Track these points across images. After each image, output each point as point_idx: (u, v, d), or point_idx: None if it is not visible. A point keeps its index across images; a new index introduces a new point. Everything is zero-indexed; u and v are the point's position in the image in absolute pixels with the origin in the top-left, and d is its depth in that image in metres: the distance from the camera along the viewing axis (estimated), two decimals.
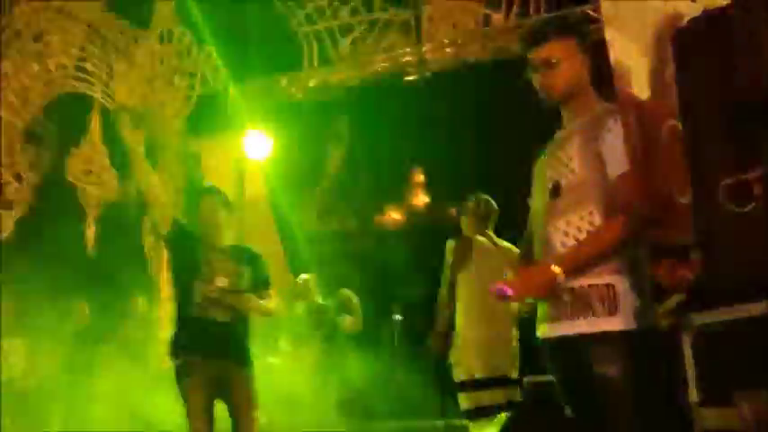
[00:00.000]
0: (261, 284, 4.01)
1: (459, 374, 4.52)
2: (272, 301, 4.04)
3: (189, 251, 3.91)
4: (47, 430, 6.18)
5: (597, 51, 2.52)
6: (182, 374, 3.80)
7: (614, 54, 2.72)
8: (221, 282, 3.79)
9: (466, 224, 4.79)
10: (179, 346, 3.86)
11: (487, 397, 4.44)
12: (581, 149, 2.35)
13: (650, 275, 2.40)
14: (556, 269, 2.24)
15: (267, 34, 8.72)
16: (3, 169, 9.13)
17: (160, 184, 4.17)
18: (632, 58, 2.71)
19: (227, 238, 4.05)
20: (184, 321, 3.84)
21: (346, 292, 6.08)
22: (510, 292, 2.27)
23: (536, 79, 2.45)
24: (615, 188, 2.26)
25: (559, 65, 2.39)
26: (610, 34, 2.68)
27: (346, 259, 7.63)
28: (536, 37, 2.47)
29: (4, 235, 8.90)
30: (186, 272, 3.90)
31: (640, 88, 2.69)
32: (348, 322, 5.94)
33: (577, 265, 2.26)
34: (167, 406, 5.24)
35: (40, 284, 7.25)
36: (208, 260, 3.87)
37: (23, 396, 6.59)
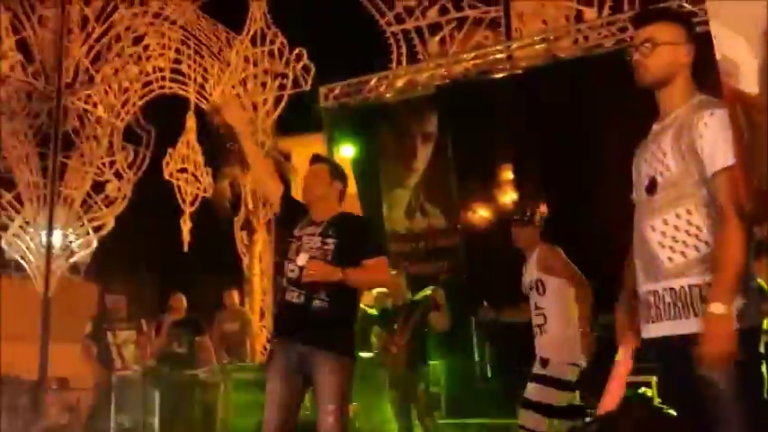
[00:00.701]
0: (359, 254, 3.49)
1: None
2: (365, 273, 3.49)
3: (291, 229, 3.62)
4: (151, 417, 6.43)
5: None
6: (267, 359, 3.57)
7: (720, 49, 2.65)
8: (302, 260, 3.41)
9: None
10: (272, 331, 3.69)
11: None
12: (675, 144, 2.29)
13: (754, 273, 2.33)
14: (720, 310, 2.12)
15: (356, 34, 8.84)
16: (104, 168, 9.57)
17: (267, 167, 3.87)
18: (739, 53, 2.62)
19: (330, 210, 3.62)
20: (277, 305, 3.71)
21: (435, 289, 6.11)
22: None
23: (635, 59, 2.41)
24: (715, 185, 2.20)
25: (659, 47, 2.36)
26: (715, 29, 2.61)
27: (434, 257, 7.66)
28: (644, 17, 2.48)
29: (105, 231, 9.34)
30: (284, 252, 3.60)
31: (748, 84, 2.61)
32: (436, 320, 5.96)
33: (730, 291, 2.15)
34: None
35: (140, 278, 7.58)
36: (297, 236, 3.54)
37: (132, 384, 6.89)
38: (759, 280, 2.58)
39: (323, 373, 3.33)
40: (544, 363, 4.35)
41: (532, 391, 4.32)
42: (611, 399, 2.67)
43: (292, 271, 3.46)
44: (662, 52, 2.37)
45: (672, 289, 2.27)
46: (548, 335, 4.39)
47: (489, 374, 6.86)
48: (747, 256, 2.21)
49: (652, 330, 2.38)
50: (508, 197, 7.53)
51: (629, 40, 2.46)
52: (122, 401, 6.94)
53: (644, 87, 2.44)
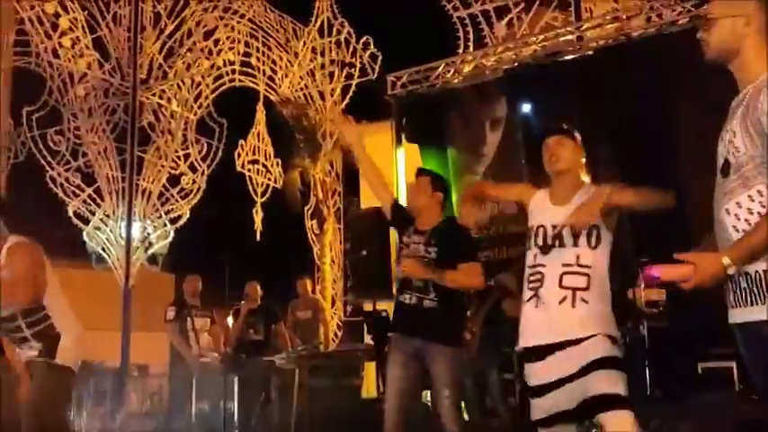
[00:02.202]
0: (452, 258, 3.88)
1: None
2: (458, 274, 3.85)
3: (401, 235, 4.09)
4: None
5: None
6: (388, 352, 4.08)
7: None
8: (407, 266, 3.86)
9: None
10: (390, 329, 4.11)
11: None
12: (742, 123, 2.20)
13: None
14: (725, 260, 2.12)
15: (423, 21, 8.82)
16: (179, 161, 9.82)
17: (379, 177, 4.23)
18: None
19: (433, 219, 4.01)
20: (394, 305, 4.10)
21: (507, 276, 6.06)
22: (657, 273, 2.19)
23: (700, 35, 2.35)
24: None
25: (717, 22, 2.28)
26: None
27: (506, 243, 7.58)
28: None
29: (181, 222, 9.60)
30: (397, 258, 4.16)
31: None
32: (509, 306, 5.91)
33: (751, 253, 2.12)
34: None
35: (216, 267, 7.75)
36: (406, 243, 3.99)
37: (212, 371, 7.07)
38: None
39: (437, 363, 3.79)
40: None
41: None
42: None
43: (400, 274, 3.97)
44: (720, 26, 2.29)
45: (747, 274, 2.19)
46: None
47: None
48: None
49: (733, 316, 2.31)
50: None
51: (703, 16, 2.38)
52: (202, 388, 7.12)
53: (711, 64, 2.38)
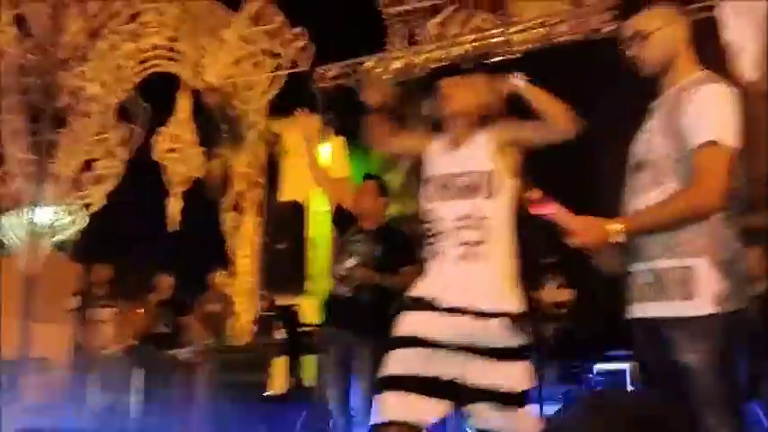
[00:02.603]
0: (395, 259, 4.08)
1: None
2: (399, 277, 3.97)
3: (343, 235, 4.35)
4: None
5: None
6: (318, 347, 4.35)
7: (728, 33, 2.60)
8: (350, 264, 4.06)
9: None
10: (322, 322, 4.33)
11: None
12: (661, 123, 2.25)
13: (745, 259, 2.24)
14: (616, 226, 2.14)
15: (354, 15, 8.70)
16: (96, 145, 9.45)
17: (326, 176, 4.48)
18: (745, 39, 2.60)
19: (377, 221, 4.29)
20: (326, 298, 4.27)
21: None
22: (549, 211, 2.15)
23: (630, 52, 2.35)
24: (694, 158, 2.12)
25: (651, 36, 2.28)
26: (724, 14, 2.56)
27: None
28: (629, 8, 2.38)
29: (95, 208, 9.22)
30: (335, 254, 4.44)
31: (750, 69, 2.56)
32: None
33: (644, 226, 2.17)
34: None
35: (127, 256, 7.47)
36: (349, 242, 4.20)
37: (112, 361, 6.81)
38: None
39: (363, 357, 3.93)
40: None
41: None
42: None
43: (341, 271, 4.13)
44: (655, 40, 2.30)
45: (653, 270, 2.21)
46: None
47: None
48: (731, 239, 2.15)
49: (634, 311, 2.31)
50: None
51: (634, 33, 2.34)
52: (105, 380, 6.86)
53: (647, 77, 2.40)
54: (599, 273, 2.43)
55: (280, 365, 6.62)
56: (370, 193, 4.35)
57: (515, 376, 2.44)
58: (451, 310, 2.47)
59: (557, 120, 2.52)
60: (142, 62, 9.99)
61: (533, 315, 5.26)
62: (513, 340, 2.47)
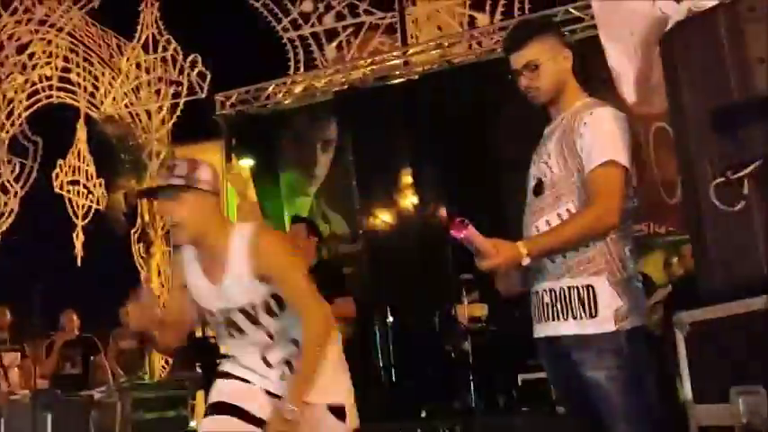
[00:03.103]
0: (328, 293, 4.14)
1: None
2: (341, 307, 4.27)
3: None
4: None
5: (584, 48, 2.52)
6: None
7: (608, 57, 2.74)
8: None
9: None
10: None
11: None
12: (557, 146, 2.33)
13: (639, 272, 2.39)
14: (522, 249, 2.15)
15: (253, 41, 8.73)
16: None
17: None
18: (622, 61, 2.71)
19: (309, 260, 4.37)
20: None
21: None
22: (462, 234, 2.11)
23: (520, 82, 2.41)
24: (590, 179, 2.22)
25: (542, 67, 2.36)
26: (603, 38, 2.69)
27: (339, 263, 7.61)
28: (515, 41, 2.43)
29: None
30: None
31: (629, 91, 2.70)
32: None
33: (546, 248, 2.22)
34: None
35: (29, 297, 7.18)
36: None
37: (20, 407, 6.53)
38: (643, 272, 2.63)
39: None
40: None
41: None
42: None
43: None
44: (545, 71, 2.38)
45: (552, 290, 2.30)
46: None
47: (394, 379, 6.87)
48: (627, 257, 2.26)
49: (538, 330, 2.39)
50: (409, 202, 7.60)
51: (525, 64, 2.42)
52: (11, 428, 6.56)
53: (539, 105, 2.46)
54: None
55: (201, 399, 6.53)
56: (299, 235, 4.56)
57: None
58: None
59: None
60: (33, 94, 9.69)
61: (452, 331, 5.45)
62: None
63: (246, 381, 2.55)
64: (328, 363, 2.44)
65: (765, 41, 1.97)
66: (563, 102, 2.41)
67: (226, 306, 2.47)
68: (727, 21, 2.04)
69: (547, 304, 2.32)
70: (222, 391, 2.56)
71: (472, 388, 5.59)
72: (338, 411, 2.49)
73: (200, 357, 5.94)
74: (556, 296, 2.29)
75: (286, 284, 2.42)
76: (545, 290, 2.33)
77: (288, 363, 2.53)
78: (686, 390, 2.15)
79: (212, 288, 2.47)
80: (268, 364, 2.53)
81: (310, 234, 4.65)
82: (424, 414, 5.89)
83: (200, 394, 6.51)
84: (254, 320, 2.47)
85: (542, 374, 5.44)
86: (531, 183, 2.41)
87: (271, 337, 2.50)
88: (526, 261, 2.16)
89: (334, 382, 2.49)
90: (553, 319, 2.30)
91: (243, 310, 2.46)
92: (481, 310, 5.79)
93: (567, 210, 2.29)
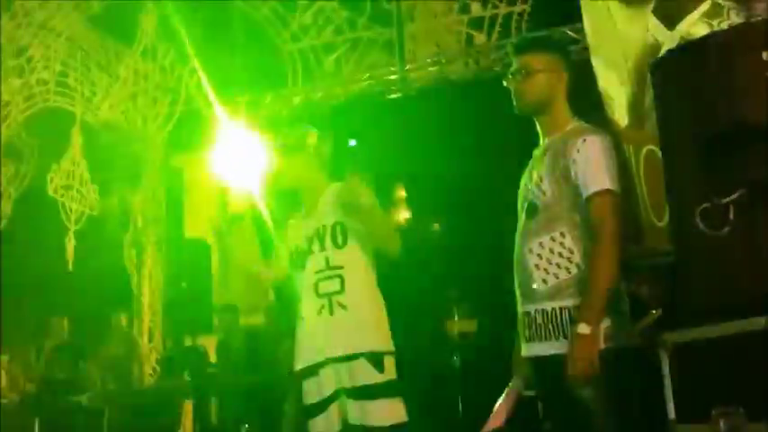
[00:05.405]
0: None
1: None
2: None
3: None
4: None
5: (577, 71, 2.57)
6: None
7: (600, 81, 2.79)
8: None
9: None
10: None
11: None
12: (550, 169, 2.37)
13: (626, 293, 2.44)
14: (585, 330, 2.20)
15: (252, 51, 8.77)
16: None
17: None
18: (614, 86, 2.77)
19: None
20: None
21: None
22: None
23: (511, 85, 2.48)
24: (590, 208, 2.28)
25: (535, 75, 2.42)
26: (595, 62, 2.74)
27: None
28: (520, 46, 2.56)
29: None
30: None
31: (620, 115, 2.76)
32: None
33: (598, 308, 2.24)
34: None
35: (20, 300, 7.18)
36: None
37: (7, 411, 6.52)
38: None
39: None
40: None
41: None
42: (499, 416, 2.70)
43: None
44: (536, 80, 2.43)
45: (544, 310, 2.35)
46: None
47: None
48: (617, 278, 2.31)
49: (528, 350, 2.45)
50: (401, 215, 7.65)
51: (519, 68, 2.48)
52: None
53: (522, 114, 2.51)
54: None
55: (188, 408, 6.52)
56: None
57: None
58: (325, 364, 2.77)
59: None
60: (29, 98, 9.69)
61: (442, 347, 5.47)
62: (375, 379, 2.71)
63: None
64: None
65: (753, 71, 2.03)
66: (551, 121, 2.46)
67: None
68: (717, 50, 2.10)
69: (539, 325, 2.37)
70: None
71: (460, 406, 5.60)
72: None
73: (189, 365, 5.93)
74: (547, 317, 2.34)
75: None
76: (537, 310, 2.38)
77: None
78: (669, 409, 2.19)
79: None
80: None
81: None
82: None
83: (188, 403, 6.51)
84: None
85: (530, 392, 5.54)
86: (524, 204, 2.46)
87: None
88: (587, 330, 2.22)
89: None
90: (545, 340, 2.36)
91: None
92: (471, 326, 5.82)
93: (561, 233, 2.34)
